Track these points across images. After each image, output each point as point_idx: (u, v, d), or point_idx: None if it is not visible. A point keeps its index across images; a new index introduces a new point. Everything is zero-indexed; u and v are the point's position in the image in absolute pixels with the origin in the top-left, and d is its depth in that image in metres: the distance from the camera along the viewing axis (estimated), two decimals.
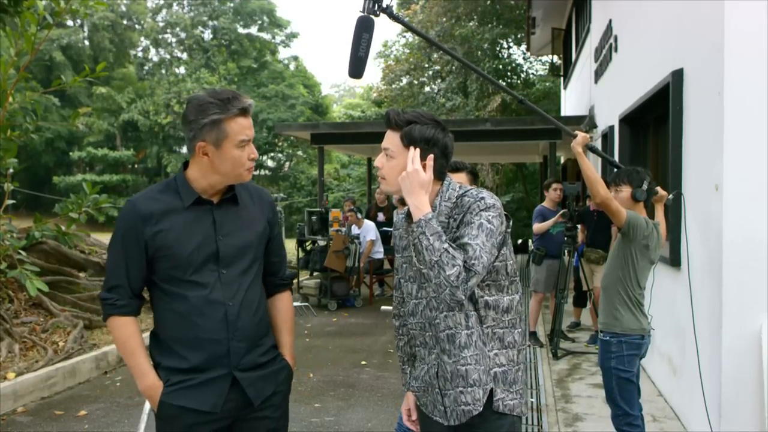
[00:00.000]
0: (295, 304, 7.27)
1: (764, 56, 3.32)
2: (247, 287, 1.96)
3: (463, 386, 1.87)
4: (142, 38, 34.20)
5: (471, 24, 19.35)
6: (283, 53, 36.12)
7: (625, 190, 3.40)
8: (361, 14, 2.49)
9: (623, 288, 3.29)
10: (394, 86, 22.05)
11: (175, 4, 33.92)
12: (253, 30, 34.49)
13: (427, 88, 21.70)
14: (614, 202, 3.24)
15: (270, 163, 31.88)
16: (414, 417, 2.10)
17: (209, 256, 1.91)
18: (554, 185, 6.66)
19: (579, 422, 4.30)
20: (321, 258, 8.88)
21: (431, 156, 1.84)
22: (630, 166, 3.61)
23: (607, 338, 3.31)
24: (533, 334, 6.47)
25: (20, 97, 5.96)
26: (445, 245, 1.73)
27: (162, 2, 34.06)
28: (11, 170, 5.86)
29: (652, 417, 4.33)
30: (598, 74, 8.43)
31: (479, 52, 19.30)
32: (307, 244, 9.92)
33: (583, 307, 7.31)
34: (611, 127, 7.15)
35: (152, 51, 34.90)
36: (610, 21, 7.35)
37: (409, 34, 21.25)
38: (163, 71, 33.44)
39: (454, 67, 19.39)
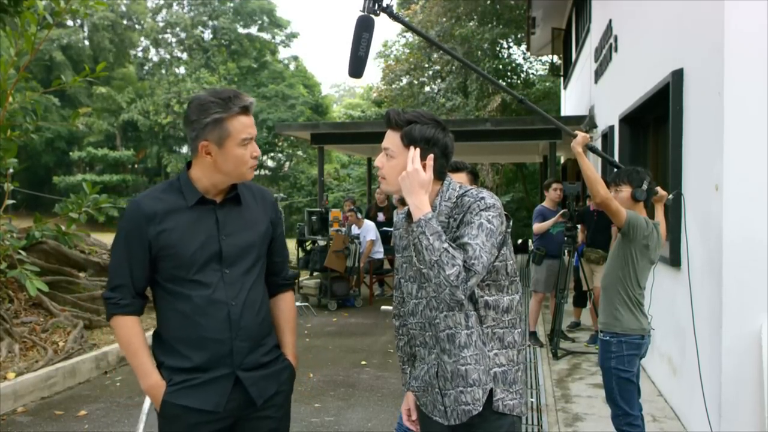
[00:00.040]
0: (296, 303, 7.28)
1: (764, 56, 3.32)
2: (250, 287, 1.96)
3: (462, 386, 1.87)
4: (142, 38, 34.20)
5: (471, 24, 19.35)
6: (283, 53, 36.15)
7: (625, 190, 3.40)
8: (361, 14, 2.49)
9: (623, 288, 3.29)
10: (394, 86, 22.04)
11: (175, 4, 33.91)
12: (253, 30, 34.50)
13: (427, 88, 21.70)
14: (614, 202, 3.24)
15: (270, 163, 31.88)
16: (414, 417, 2.10)
17: (212, 255, 1.91)
18: (554, 185, 6.66)
19: (579, 422, 4.30)
20: (321, 258, 8.88)
21: (431, 156, 1.84)
22: (630, 166, 3.61)
23: (607, 338, 3.31)
24: (533, 334, 6.46)
25: (20, 97, 5.96)
26: (445, 245, 1.73)
27: (162, 2, 34.06)
28: (11, 170, 5.86)
29: (652, 417, 4.33)
30: (598, 74, 8.43)
31: (479, 52, 19.29)
32: (307, 244, 9.92)
33: (583, 307, 7.31)
34: (611, 127, 7.15)
35: (152, 51, 34.92)
36: (610, 21, 7.35)
37: (409, 34, 21.26)
38: (163, 71, 33.44)
39: (454, 67, 19.38)
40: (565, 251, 6.41)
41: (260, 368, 1.98)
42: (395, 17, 2.57)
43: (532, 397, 4.79)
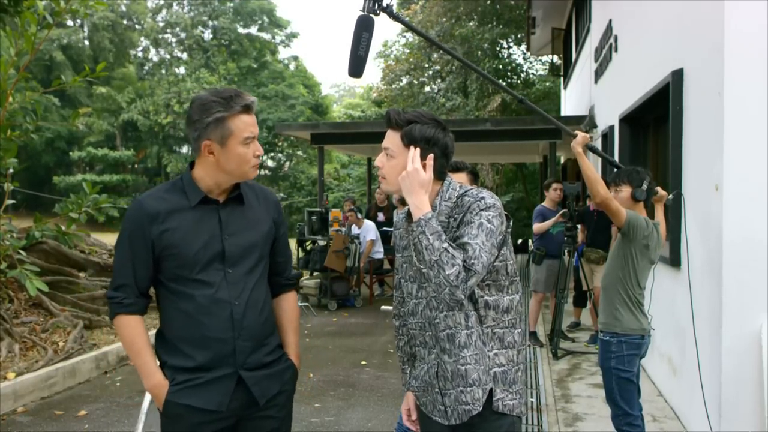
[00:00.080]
0: None
1: (764, 56, 3.32)
2: (253, 287, 1.97)
3: (462, 386, 1.87)
4: (142, 38, 34.21)
5: (471, 24, 19.35)
6: (283, 53, 36.17)
7: (625, 190, 3.39)
8: (361, 13, 2.49)
9: (623, 288, 3.29)
10: (394, 86, 22.05)
11: (175, 4, 33.92)
12: (253, 30, 34.51)
13: (427, 88, 21.70)
14: (614, 202, 3.24)
15: (270, 163, 31.89)
16: (414, 417, 2.10)
17: (215, 255, 1.92)
18: (554, 185, 6.66)
19: (579, 422, 4.30)
20: (321, 258, 8.88)
21: (431, 155, 1.84)
22: (630, 166, 3.61)
23: (607, 338, 3.31)
24: (533, 334, 6.46)
25: (20, 97, 5.96)
26: (445, 245, 1.73)
27: (162, 2, 34.07)
28: (11, 170, 5.86)
29: (652, 417, 4.33)
30: (598, 74, 8.43)
31: (479, 52, 19.29)
32: (307, 244, 9.92)
33: (583, 307, 7.31)
34: (611, 127, 7.15)
35: (152, 51, 34.93)
36: (610, 21, 7.35)
37: (409, 34, 21.26)
38: (163, 71, 33.44)
39: (454, 67, 19.39)
40: (565, 251, 6.41)
41: (263, 368, 1.98)
42: (395, 17, 2.57)
43: (532, 397, 4.79)
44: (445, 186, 1.92)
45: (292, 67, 35.10)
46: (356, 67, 2.50)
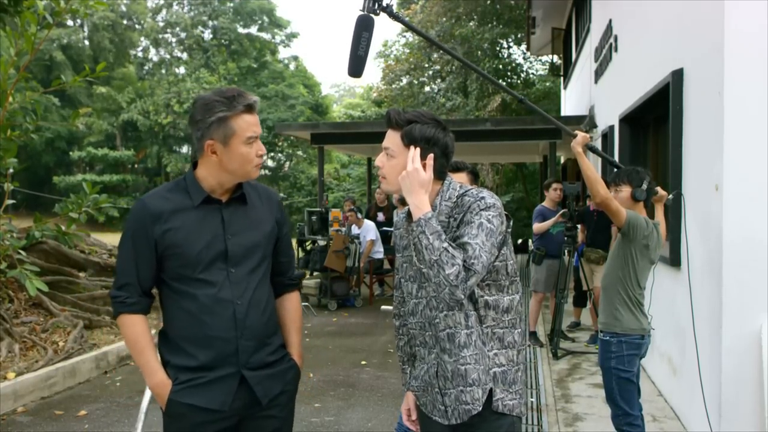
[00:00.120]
0: None
1: (764, 56, 3.32)
2: (255, 286, 1.97)
3: (462, 386, 1.87)
4: (142, 38, 34.22)
5: (471, 24, 19.35)
6: (283, 53, 36.18)
7: (625, 190, 3.39)
8: (361, 13, 2.49)
9: (623, 288, 3.29)
10: (394, 86, 22.05)
11: (175, 4, 33.93)
12: (253, 30, 34.52)
13: (427, 88, 21.70)
14: (614, 202, 3.24)
15: (270, 163, 31.90)
16: (414, 417, 2.10)
17: (218, 254, 1.92)
18: (554, 185, 6.66)
19: (579, 422, 4.30)
20: (321, 258, 8.88)
21: (431, 155, 1.84)
22: (630, 166, 3.61)
23: (607, 338, 3.31)
24: (533, 334, 6.46)
25: (20, 97, 5.96)
26: (445, 244, 1.73)
27: (162, 2, 34.07)
28: (11, 170, 5.86)
29: (652, 417, 4.33)
30: (598, 74, 8.43)
31: (479, 52, 19.29)
32: (307, 244, 9.92)
33: (583, 307, 7.31)
34: (611, 127, 7.15)
35: (152, 51, 34.93)
36: (610, 21, 7.35)
37: (409, 34, 21.26)
38: (163, 71, 33.45)
39: (454, 67, 19.39)
40: (565, 251, 6.41)
41: (265, 367, 1.99)
42: (395, 17, 2.57)
43: (532, 397, 4.79)
44: (445, 186, 1.92)
45: (292, 67, 35.11)
46: (356, 67, 2.50)
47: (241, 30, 33.71)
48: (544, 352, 6.13)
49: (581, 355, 6.07)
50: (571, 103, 13.25)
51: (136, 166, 32.07)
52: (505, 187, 21.51)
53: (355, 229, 9.12)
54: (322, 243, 9.21)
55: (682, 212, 3.85)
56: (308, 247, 9.86)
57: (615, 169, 3.71)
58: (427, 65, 21.14)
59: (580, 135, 3.29)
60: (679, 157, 4.33)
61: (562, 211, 6.41)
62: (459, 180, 2.10)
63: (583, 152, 3.33)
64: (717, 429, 3.46)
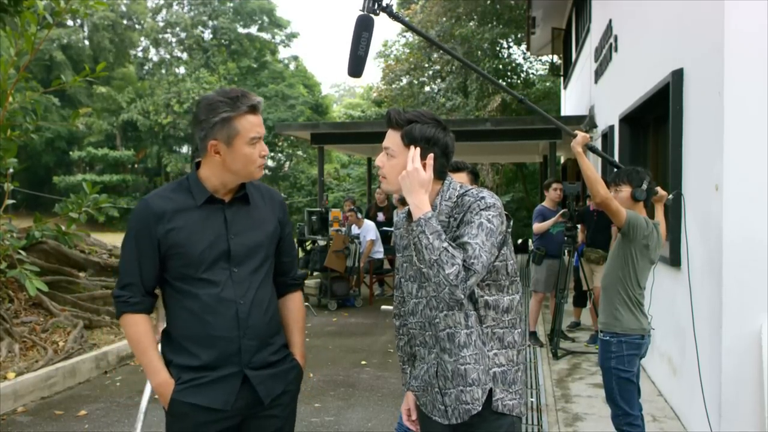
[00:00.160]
0: None
1: (764, 56, 3.32)
2: (258, 286, 1.97)
3: (462, 386, 1.87)
4: (142, 38, 34.23)
5: (471, 24, 19.35)
6: (283, 53, 36.20)
7: (625, 190, 3.39)
8: (361, 13, 2.49)
9: (623, 288, 3.29)
10: (394, 86, 22.05)
11: (175, 4, 33.94)
12: (253, 30, 34.54)
13: (427, 88, 21.70)
14: (614, 202, 3.24)
15: (270, 163, 31.91)
16: (414, 417, 2.10)
17: (221, 254, 1.93)
18: (554, 185, 6.66)
19: (579, 422, 4.30)
20: (321, 258, 8.88)
21: (431, 155, 1.84)
22: (630, 166, 3.61)
23: (607, 338, 3.31)
24: (533, 334, 6.46)
25: (20, 97, 5.96)
26: (445, 244, 1.73)
27: (162, 2, 34.08)
28: (11, 170, 5.86)
29: (652, 417, 4.33)
30: (598, 74, 8.43)
31: (479, 52, 19.29)
32: (307, 244, 9.92)
33: (583, 307, 7.31)
34: (611, 127, 7.15)
35: (152, 51, 34.95)
36: (610, 21, 7.35)
37: (409, 34, 21.26)
38: (163, 71, 33.46)
39: (454, 67, 19.39)
40: (565, 251, 6.41)
41: (268, 367, 1.99)
42: (395, 17, 2.57)
43: (532, 397, 4.79)
44: (445, 186, 1.92)
45: (292, 67, 35.13)
46: (356, 67, 2.50)
47: (241, 30, 33.73)
48: (544, 352, 6.13)
49: (581, 355, 6.07)
50: (571, 103, 13.25)
51: (136, 166, 32.08)
52: (505, 187, 21.51)
53: (355, 229, 9.12)
54: (322, 243, 9.20)
55: (682, 212, 3.85)
56: (308, 247, 9.85)
57: (615, 169, 3.71)
58: (427, 65, 21.14)
59: (580, 135, 3.29)
60: (679, 157, 4.33)
61: (562, 211, 6.41)
62: (459, 180, 2.10)
63: (583, 152, 3.33)
64: (717, 429, 3.46)
